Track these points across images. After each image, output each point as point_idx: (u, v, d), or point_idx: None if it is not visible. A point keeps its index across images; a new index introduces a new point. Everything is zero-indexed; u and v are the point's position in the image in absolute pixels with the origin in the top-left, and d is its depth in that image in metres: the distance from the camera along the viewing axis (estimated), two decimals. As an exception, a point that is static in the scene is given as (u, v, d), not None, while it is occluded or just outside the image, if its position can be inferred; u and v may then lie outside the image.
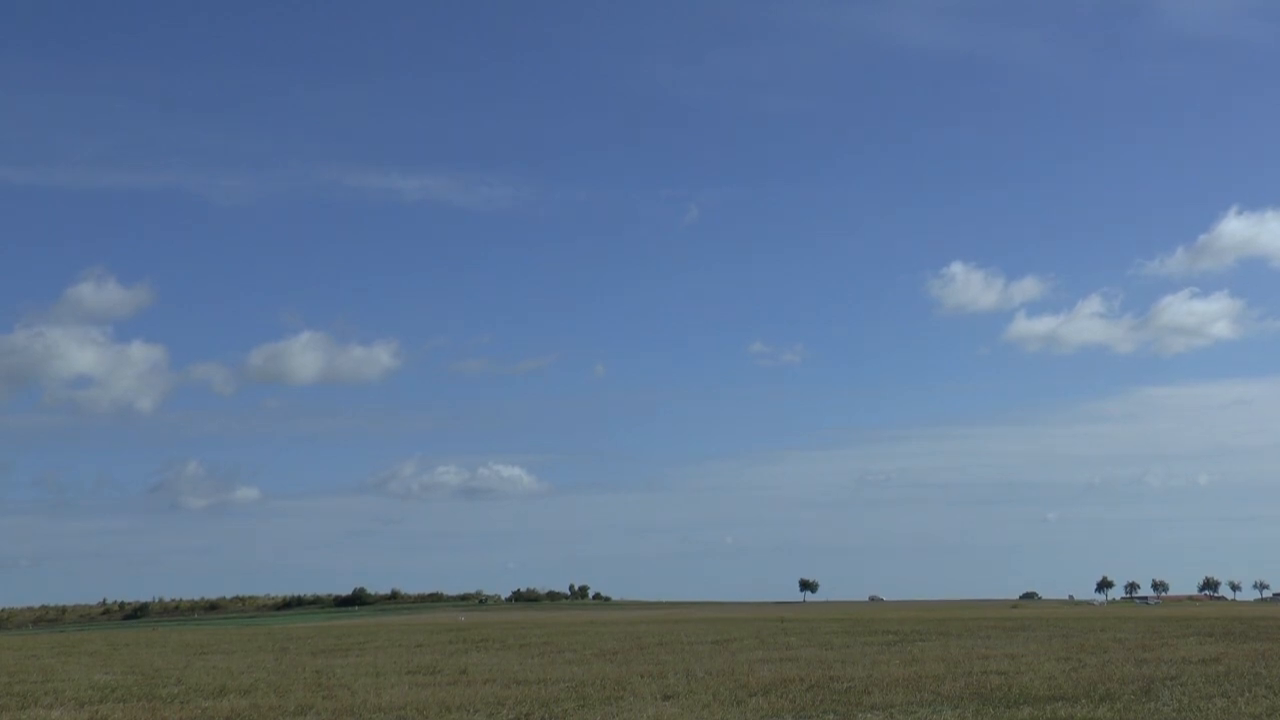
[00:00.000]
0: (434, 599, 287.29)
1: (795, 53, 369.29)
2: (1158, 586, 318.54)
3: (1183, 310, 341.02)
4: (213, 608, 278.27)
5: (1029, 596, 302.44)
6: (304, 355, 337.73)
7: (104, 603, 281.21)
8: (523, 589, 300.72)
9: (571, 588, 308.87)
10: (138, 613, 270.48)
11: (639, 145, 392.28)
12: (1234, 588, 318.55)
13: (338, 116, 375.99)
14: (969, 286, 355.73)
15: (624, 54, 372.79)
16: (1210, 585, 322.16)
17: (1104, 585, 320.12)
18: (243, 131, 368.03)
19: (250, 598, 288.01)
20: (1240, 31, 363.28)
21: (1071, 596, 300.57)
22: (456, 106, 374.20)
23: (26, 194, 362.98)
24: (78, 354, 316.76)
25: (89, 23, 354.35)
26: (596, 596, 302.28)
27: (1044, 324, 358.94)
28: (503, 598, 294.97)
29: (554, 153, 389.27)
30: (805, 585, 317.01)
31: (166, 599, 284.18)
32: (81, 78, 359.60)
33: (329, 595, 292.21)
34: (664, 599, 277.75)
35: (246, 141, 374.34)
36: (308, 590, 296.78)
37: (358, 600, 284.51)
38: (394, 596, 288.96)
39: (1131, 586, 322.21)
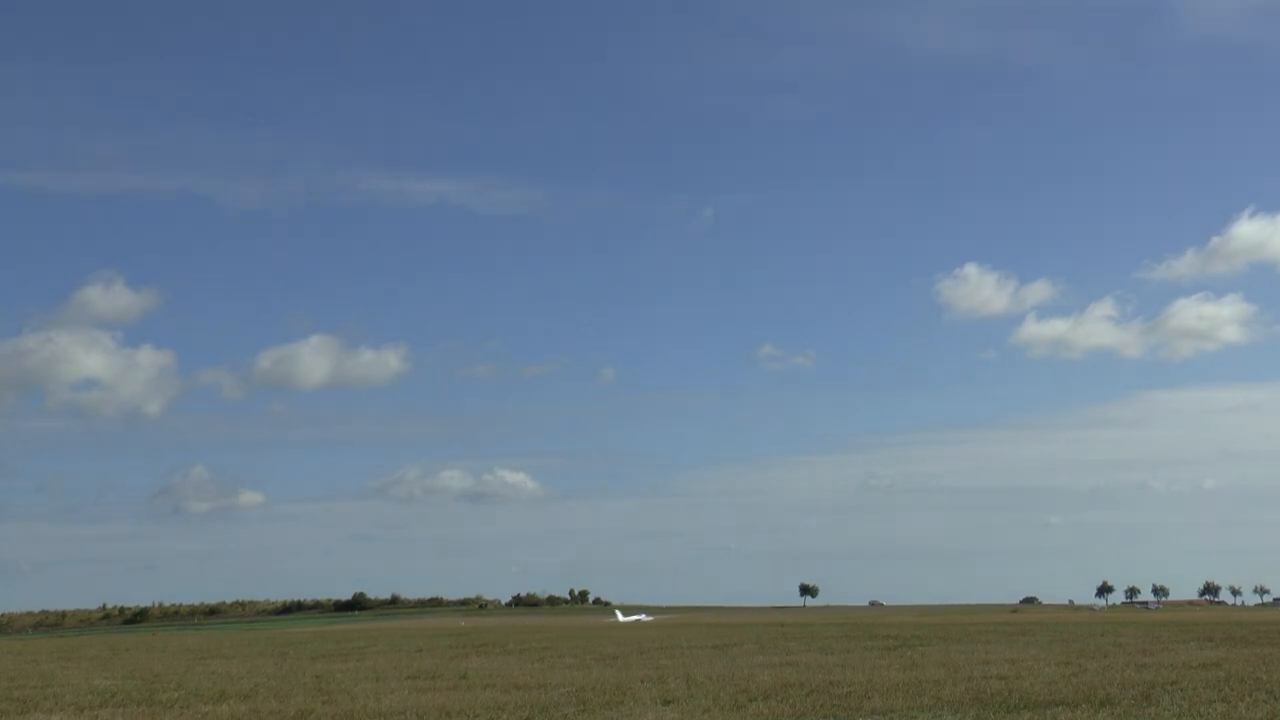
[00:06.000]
0: (434, 604, 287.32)
1: (808, 56, 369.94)
2: (1158, 591, 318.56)
3: (1193, 314, 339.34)
4: (212, 612, 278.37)
5: (1029, 601, 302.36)
6: (312, 359, 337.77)
7: (104, 607, 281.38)
8: (523, 594, 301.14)
9: (571, 592, 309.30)
10: (138, 617, 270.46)
11: (652, 149, 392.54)
12: (1235, 592, 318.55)
13: (349, 121, 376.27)
14: (981, 289, 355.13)
15: (636, 58, 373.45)
16: (1211, 590, 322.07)
17: (1104, 590, 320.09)
18: (253, 136, 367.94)
19: (250, 602, 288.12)
20: (1253, 34, 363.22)
21: (1072, 601, 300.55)
22: (469, 111, 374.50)
23: (35, 197, 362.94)
24: (85, 358, 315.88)
25: (98, 27, 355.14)
26: (596, 601, 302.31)
27: (1053, 327, 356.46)
28: (503, 602, 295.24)
29: (566, 157, 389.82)
30: (805, 590, 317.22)
31: (166, 604, 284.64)
32: (91, 81, 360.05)
33: (329, 600, 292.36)
34: (664, 603, 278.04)
35: (257, 145, 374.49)
36: (308, 595, 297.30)
37: (357, 605, 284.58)
38: (394, 601, 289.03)
39: (1132, 591, 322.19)
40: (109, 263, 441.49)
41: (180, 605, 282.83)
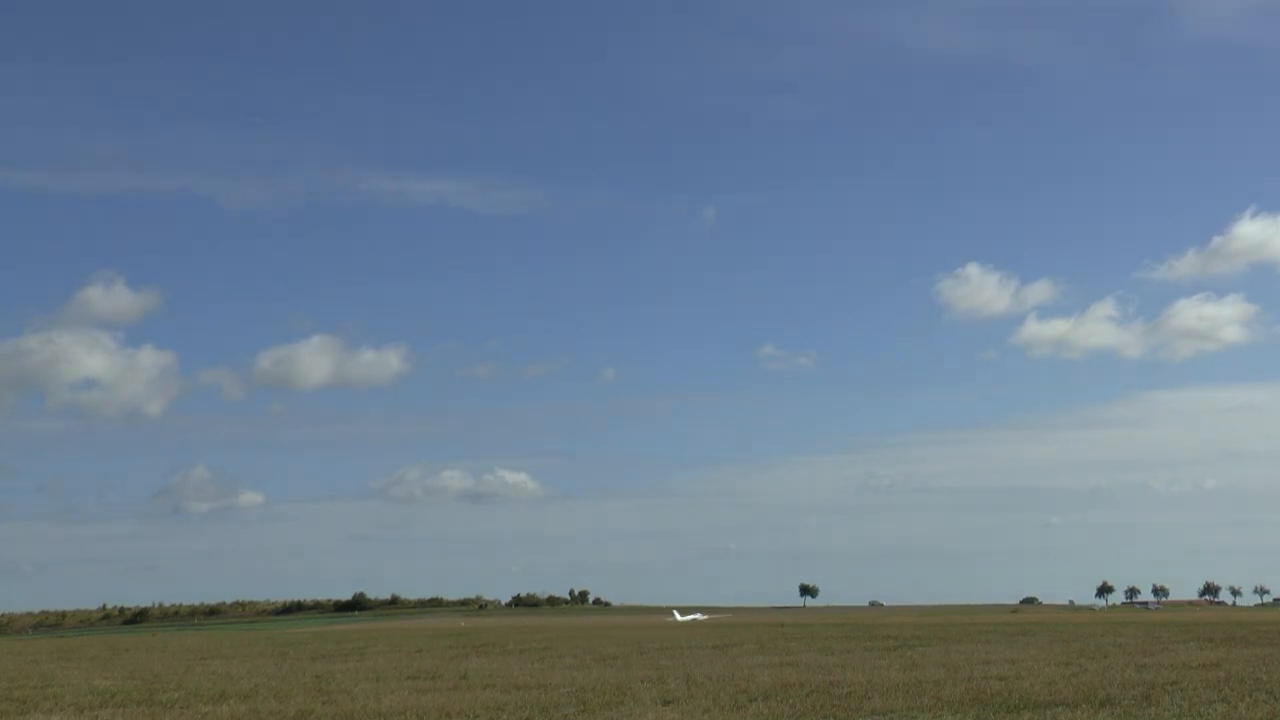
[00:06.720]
0: (434, 604, 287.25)
1: (808, 56, 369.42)
2: (1158, 591, 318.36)
3: (1194, 314, 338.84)
4: (212, 612, 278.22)
5: (1029, 601, 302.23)
6: (312, 359, 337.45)
7: (104, 607, 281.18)
8: (523, 594, 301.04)
9: (571, 593, 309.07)
10: (138, 618, 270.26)
11: (652, 149, 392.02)
12: (1234, 593, 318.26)
13: (349, 121, 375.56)
14: (982, 289, 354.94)
15: (636, 58, 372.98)
16: (1211, 590, 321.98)
17: (1104, 590, 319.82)
18: (253, 136, 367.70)
19: (250, 602, 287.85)
20: (1253, 34, 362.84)
21: (1072, 601, 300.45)
22: (469, 111, 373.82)
23: (35, 197, 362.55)
24: (85, 358, 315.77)
25: (98, 27, 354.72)
26: (596, 601, 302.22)
27: (1054, 328, 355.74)
28: (503, 603, 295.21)
29: (566, 157, 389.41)
30: (805, 590, 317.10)
31: (166, 604, 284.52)
32: (91, 81, 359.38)
33: (329, 600, 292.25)
34: (664, 604, 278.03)
35: (257, 145, 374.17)
36: (308, 595, 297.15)
37: (357, 605, 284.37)
38: (394, 601, 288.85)
39: (1132, 591, 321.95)
40: (109, 263, 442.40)
41: (180, 605, 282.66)
